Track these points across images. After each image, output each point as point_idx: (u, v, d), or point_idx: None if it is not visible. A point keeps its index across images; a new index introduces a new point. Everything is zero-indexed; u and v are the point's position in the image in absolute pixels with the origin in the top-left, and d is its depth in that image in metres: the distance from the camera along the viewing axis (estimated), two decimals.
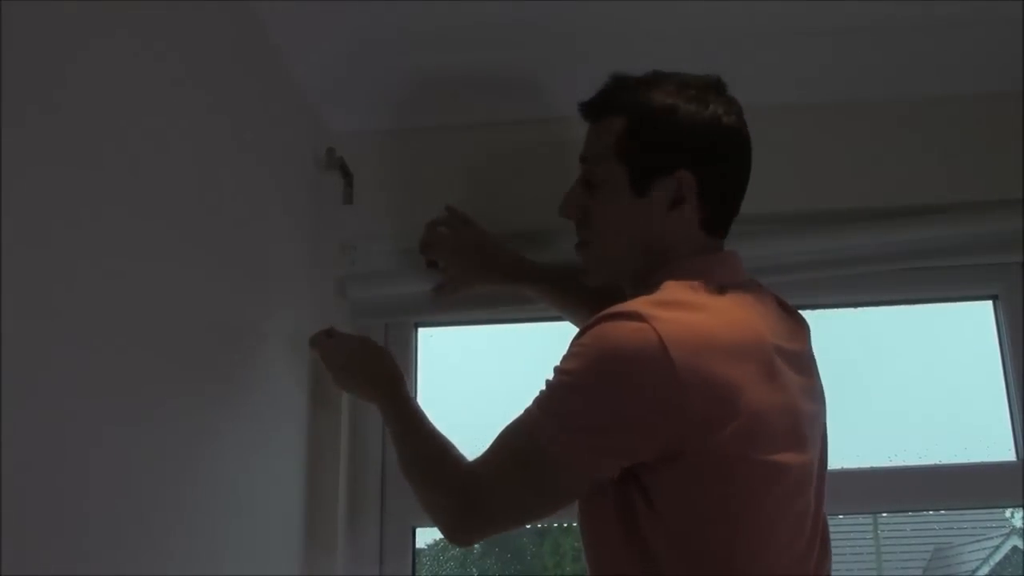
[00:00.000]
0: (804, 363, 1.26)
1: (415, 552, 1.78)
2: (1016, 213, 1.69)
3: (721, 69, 1.72)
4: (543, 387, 1.19)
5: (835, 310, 1.86)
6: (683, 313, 1.14)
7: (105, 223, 1.06)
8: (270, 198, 1.60)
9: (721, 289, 1.20)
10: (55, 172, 0.97)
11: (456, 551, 2.03)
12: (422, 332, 1.88)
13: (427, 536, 1.93)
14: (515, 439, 1.21)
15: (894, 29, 1.66)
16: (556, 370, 1.18)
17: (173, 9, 1.24)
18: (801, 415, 1.17)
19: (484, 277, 1.70)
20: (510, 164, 1.81)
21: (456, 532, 1.28)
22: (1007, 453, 1.75)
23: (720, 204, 1.29)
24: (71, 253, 0.99)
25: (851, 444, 1.75)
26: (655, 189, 1.26)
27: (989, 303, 1.82)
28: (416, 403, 1.46)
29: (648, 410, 1.11)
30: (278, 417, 1.60)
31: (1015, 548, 2.12)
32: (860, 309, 1.86)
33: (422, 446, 1.37)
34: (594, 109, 1.34)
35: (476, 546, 2.07)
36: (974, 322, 1.84)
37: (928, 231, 1.70)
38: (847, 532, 2.10)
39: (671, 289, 1.19)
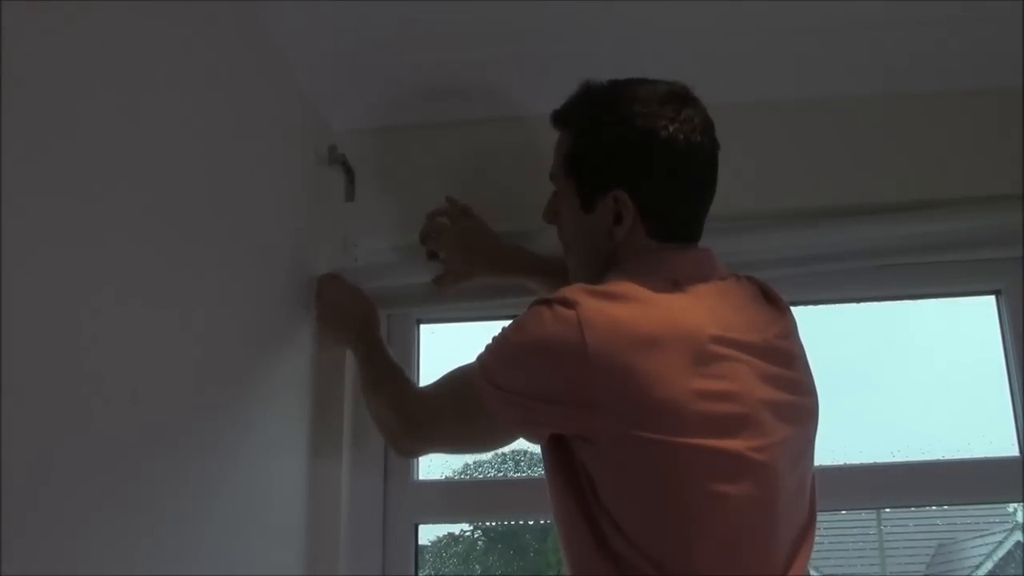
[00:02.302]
0: (777, 353, 1.27)
1: (417, 549, 1.77)
2: (1018, 208, 1.68)
3: (721, 66, 1.74)
4: (491, 338, 1.31)
5: (838, 305, 1.85)
6: (610, 303, 1.20)
7: (105, 222, 1.06)
8: (272, 195, 1.60)
9: (670, 284, 1.24)
10: (55, 171, 0.97)
11: (459, 548, 2.03)
12: (424, 328, 1.88)
13: (429, 533, 1.93)
14: (457, 378, 1.36)
15: (896, 26, 1.66)
16: (502, 330, 1.29)
17: (174, 8, 1.24)
18: (752, 402, 1.19)
19: (484, 268, 1.71)
20: (512, 161, 1.81)
21: (398, 444, 1.53)
22: (1010, 448, 1.74)
23: (666, 215, 1.32)
24: (71, 252, 0.99)
25: (854, 439, 1.75)
26: (598, 206, 1.33)
27: (992, 298, 1.82)
28: (382, 342, 1.64)
29: (560, 390, 1.20)
30: (280, 415, 1.60)
31: (1018, 543, 2.11)
32: (863, 304, 1.86)
33: (381, 374, 1.57)
34: (554, 120, 1.43)
35: (479, 543, 2.08)
36: (977, 317, 1.83)
37: (930, 225, 1.70)
38: (850, 528, 2.09)
39: (613, 281, 1.25)
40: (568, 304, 1.20)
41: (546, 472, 1.29)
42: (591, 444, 1.20)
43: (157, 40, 1.20)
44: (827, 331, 1.83)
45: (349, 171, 1.82)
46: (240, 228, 1.45)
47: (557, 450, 1.25)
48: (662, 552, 1.15)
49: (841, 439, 1.73)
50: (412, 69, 1.77)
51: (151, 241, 1.16)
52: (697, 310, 1.22)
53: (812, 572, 1.24)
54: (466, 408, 1.32)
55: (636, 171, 1.30)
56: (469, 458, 1.95)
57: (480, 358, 1.31)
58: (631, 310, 1.19)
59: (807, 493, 1.28)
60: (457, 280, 1.72)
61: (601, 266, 1.32)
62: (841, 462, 1.73)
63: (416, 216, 1.76)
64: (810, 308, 1.82)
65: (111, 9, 1.08)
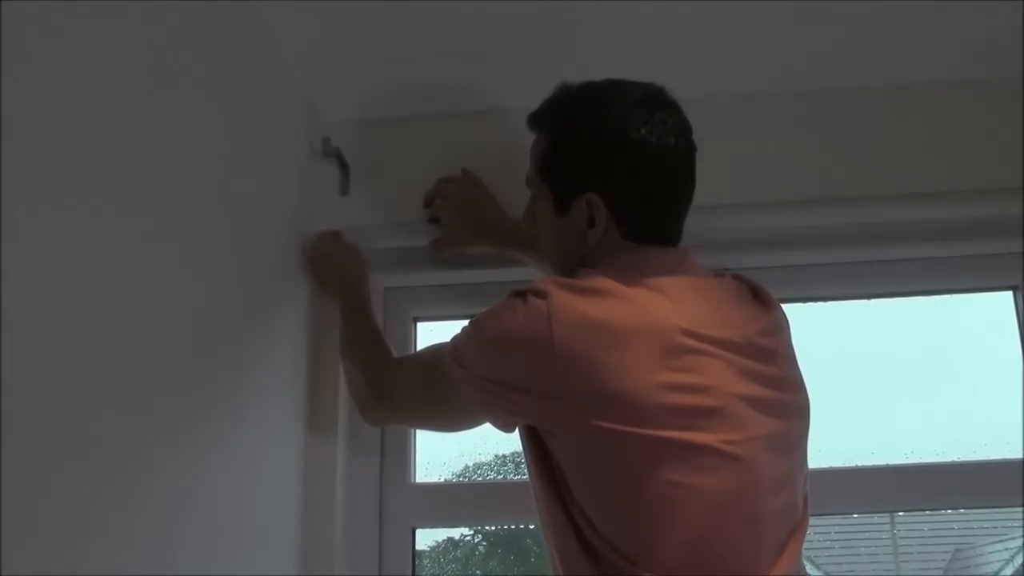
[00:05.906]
0: (758, 350, 1.27)
1: (415, 554, 1.76)
2: None
3: (730, 60, 1.73)
4: (468, 321, 1.34)
5: (851, 302, 1.83)
6: (580, 297, 1.22)
7: (96, 216, 1.06)
8: (265, 189, 1.60)
9: (643, 279, 1.25)
10: (49, 167, 0.96)
11: (458, 553, 2.03)
12: (421, 326, 1.88)
13: (428, 538, 1.91)
14: (432, 354, 1.39)
15: (897, 17, 1.65)
16: (478, 315, 1.32)
17: (168, 2, 1.24)
18: (725, 396, 1.19)
19: (483, 238, 1.72)
20: (508, 154, 1.78)
21: (365, 411, 1.55)
22: None
23: (640, 217, 1.33)
24: (62, 249, 0.99)
25: (867, 440, 1.74)
26: (572, 210, 1.34)
27: (1009, 294, 1.80)
28: (367, 304, 1.64)
29: (525, 379, 1.23)
30: (275, 416, 1.59)
31: None
32: (877, 301, 1.83)
33: (360, 335, 1.59)
34: (529, 123, 1.44)
35: (480, 548, 2.08)
36: (994, 313, 1.81)
37: (942, 211, 1.69)
38: (863, 531, 2.08)
39: (586, 275, 1.28)
40: (540, 295, 1.23)
41: (528, 471, 1.30)
42: (558, 437, 1.22)
43: (150, 33, 1.20)
44: (841, 329, 1.83)
45: (343, 164, 1.81)
46: (233, 221, 1.45)
47: (535, 447, 1.27)
48: (632, 545, 1.15)
49: (854, 440, 1.73)
50: (407, 62, 1.76)
51: (145, 233, 1.15)
52: (668, 305, 1.23)
53: None
54: (437, 385, 1.36)
55: (607, 174, 1.31)
56: (468, 460, 1.94)
57: (454, 339, 1.34)
58: (601, 304, 1.21)
59: (798, 491, 1.27)
60: (455, 245, 1.74)
61: (572, 263, 1.34)
62: (853, 464, 1.71)
63: (411, 211, 1.76)
64: (824, 305, 1.81)
65: (107, 4, 1.09)
